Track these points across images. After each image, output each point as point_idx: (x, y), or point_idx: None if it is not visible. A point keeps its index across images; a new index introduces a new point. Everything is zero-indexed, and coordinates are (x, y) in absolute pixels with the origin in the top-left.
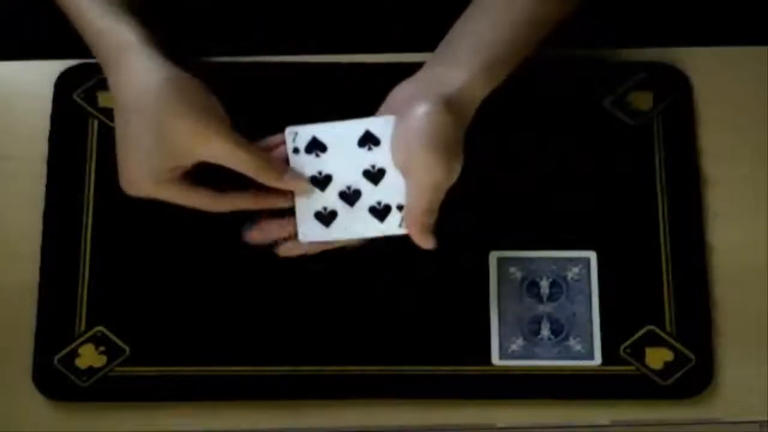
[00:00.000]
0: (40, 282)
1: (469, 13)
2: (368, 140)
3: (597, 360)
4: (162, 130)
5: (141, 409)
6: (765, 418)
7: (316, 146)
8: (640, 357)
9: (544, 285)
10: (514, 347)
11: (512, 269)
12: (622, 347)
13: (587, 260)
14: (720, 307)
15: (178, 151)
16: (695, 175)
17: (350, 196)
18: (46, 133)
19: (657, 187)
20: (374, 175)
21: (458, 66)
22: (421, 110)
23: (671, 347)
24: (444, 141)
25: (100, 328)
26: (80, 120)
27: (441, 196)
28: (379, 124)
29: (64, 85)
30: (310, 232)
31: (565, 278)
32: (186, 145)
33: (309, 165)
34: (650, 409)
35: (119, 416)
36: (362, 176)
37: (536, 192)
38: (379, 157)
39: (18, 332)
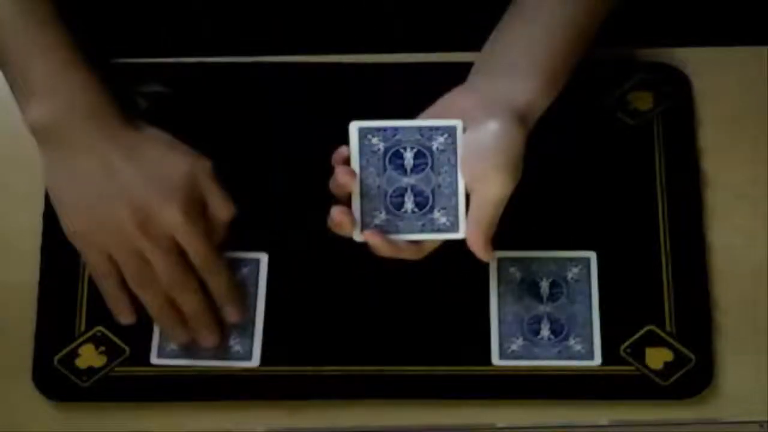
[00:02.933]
0: (40, 282)
1: (517, 19)
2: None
3: (597, 360)
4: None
5: (141, 409)
6: (765, 418)
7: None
8: (640, 357)
9: (544, 285)
10: (514, 347)
11: (512, 269)
12: (622, 347)
13: (587, 260)
14: (720, 307)
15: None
16: (695, 175)
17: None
18: None
19: (657, 187)
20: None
21: (522, 80)
22: (493, 126)
23: (671, 347)
24: (515, 158)
25: (100, 328)
26: None
27: (503, 208)
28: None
29: None
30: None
31: (565, 278)
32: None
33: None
34: (650, 409)
35: (119, 416)
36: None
37: (536, 192)
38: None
39: (18, 332)
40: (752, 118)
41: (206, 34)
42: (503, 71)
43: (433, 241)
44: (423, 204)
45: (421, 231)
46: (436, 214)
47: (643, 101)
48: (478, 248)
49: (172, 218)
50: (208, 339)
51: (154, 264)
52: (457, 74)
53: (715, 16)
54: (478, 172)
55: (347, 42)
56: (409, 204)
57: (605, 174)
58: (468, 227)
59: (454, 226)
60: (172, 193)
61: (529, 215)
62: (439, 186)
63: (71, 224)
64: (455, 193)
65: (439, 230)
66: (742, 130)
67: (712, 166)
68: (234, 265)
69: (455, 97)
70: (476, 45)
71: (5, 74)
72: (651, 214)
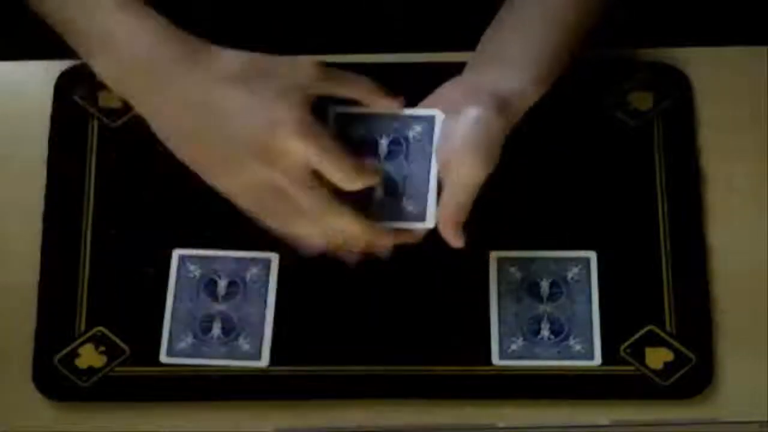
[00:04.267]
0: (40, 282)
1: (511, 15)
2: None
3: (597, 360)
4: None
5: (141, 409)
6: (765, 419)
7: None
8: (640, 357)
9: (544, 285)
10: (514, 347)
11: (512, 269)
12: (622, 347)
13: (587, 260)
14: (720, 307)
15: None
16: (695, 175)
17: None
18: (46, 133)
19: (657, 187)
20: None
21: (510, 69)
22: (472, 113)
23: (671, 347)
24: (489, 142)
25: (100, 328)
26: (80, 120)
27: (475, 195)
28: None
29: (64, 85)
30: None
31: (565, 278)
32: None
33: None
34: (650, 409)
35: (119, 416)
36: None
37: (536, 192)
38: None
39: (18, 332)
40: (752, 118)
41: (206, 34)
42: (492, 61)
43: (407, 231)
44: (393, 191)
45: (390, 219)
46: (405, 202)
47: (643, 101)
48: (447, 232)
49: (294, 147)
50: (385, 242)
51: (293, 195)
52: (457, 74)
53: (715, 16)
54: (450, 155)
55: (347, 42)
56: (379, 191)
57: (605, 174)
58: (439, 211)
59: (421, 216)
60: (290, 111)
61: (528, 215)
62: (411, 175)
63: (213, 176)
64: (426, 182)
65: (406, 219)
66: (742, 130)
67: (712, 166)
68: (244, 265)
69: (445, 90)
70: (476, 45)
71: (70, 39)
72: (651, 214)
